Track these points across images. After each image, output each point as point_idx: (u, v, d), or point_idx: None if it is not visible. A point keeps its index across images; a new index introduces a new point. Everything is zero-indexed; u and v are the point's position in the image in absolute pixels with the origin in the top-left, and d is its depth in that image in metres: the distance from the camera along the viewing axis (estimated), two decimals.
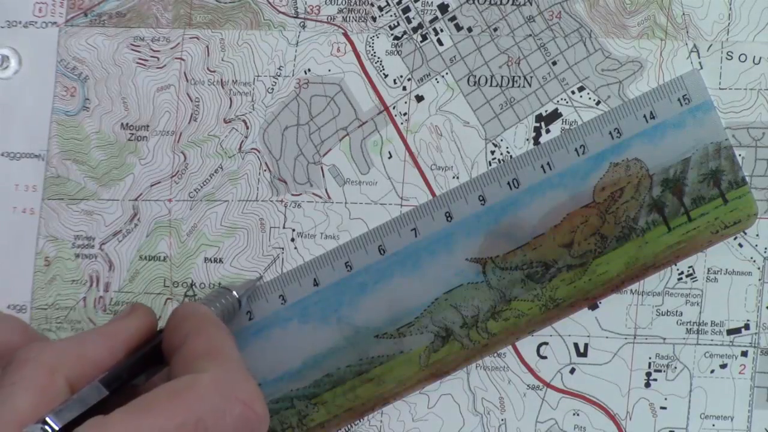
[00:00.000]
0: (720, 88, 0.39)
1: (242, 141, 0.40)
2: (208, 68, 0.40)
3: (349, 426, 0.40)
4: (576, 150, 0.38)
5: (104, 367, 0.31)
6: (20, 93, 0.40)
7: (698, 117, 0.38)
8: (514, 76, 0.39)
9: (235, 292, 0.37)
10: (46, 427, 0.28)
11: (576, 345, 0.39)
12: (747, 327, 0.39)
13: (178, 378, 0.29)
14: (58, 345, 0.31)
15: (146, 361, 0.33)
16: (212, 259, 0.40)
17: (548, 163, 0.38)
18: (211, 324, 0.33)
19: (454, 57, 0.39)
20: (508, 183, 0.38)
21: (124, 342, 0.32)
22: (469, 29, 0.39)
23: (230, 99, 0.40)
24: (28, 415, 0.28)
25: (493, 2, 0.39)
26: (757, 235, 0.39)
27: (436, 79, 0.39)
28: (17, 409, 0.28)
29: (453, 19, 0.39)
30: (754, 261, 0.39)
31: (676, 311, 0.39)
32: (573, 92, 0.39)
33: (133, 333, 0.33)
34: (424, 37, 0.39)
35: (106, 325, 0.33)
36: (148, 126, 0.40)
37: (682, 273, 0.39)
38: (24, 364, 0.29)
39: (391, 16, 0.39)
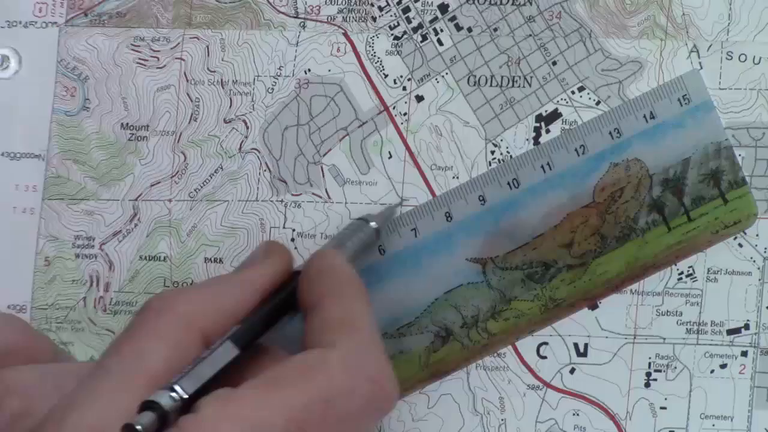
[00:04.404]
0: (720, 88, 0.39)
1: (242, 141, 0.40)
2: (208, 68, 0.40)
3: None
4: (576, 150, 0.38)
5: (239, 317, 0.30)
6: (20, 93, 0.40)
7: (698, 117, 0.38)
8: (514, 76, 0.39)
9: (373, 223, 0.36)
10: (174, 394, 0.26)
11: (576, 345, 0.39)
12: (747, 327, 0.39)
13: (308, 352, 0.28)
14: (193, 295, 0.30)
15: (279, 311, 0.31)
16: (212, 259, 0.40)
17: (548, 163, 0.38)
18: (348, 286, 0.31)
19: (454, 57, 0.39)
20: (508, 183, 0.38)
21: (260, 290, 0.31)
22: (469, 29, 0.39)
23: (230, 99, 0.40)
24: (161, 369, 0.27)
25: (493, 2, 0.39)
26: (757, 235, 0.39)
27: (436, 79, 0.39)
28: (150, 361, 0.27)
29: (453, 19, 0.39)
30: (754, 261, 0.39)
31: (676, 311, 0.39)
32: (573, 92, 0.39)
33: (269, 279, 0.31)
34: (424, 37, 0.39)
35: (241, 270, 0.32)
36: (148, 126, 0.40)
37: (682, 273, 0.39)
38: (158, 314, 0.28)
39: (391, 16, 0.39)
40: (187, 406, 0.27)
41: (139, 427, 0.25)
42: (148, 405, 0.26)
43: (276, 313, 0.31)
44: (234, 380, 0.28)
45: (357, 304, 0.31)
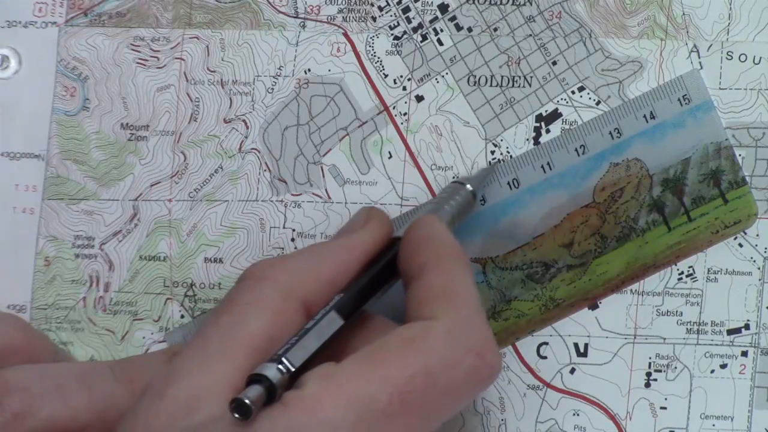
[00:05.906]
0: (720, 88, 0.39)
1: (242, 141, 0.40)
2: (208, 68, 0.40)
3: None
4: (576, 150, 0.38)
5: (340, 286, 0.29)
6: (20, 93, 0.40)
7: (698, 117, 0.38)
8: (514, 76, 0.39)
9: (469, 186, 0.35)
10: (281, 367, 0.26)
11: (576, 345, 0.39)
12: (747, 327, 0.39)
13: (411, 325, 0.28)
14: (292, 263, 0.29)
15: (381, 279, 0.31)
16: (212, 259, 0.40)
17: (548, 163, 0.38)
18: (451, 256, 0.30)
19: (454, 57, 0.39)
20: (508, 183, 0.38)
21: (361, 257, 0.30)
22: (469, 29, 0.39)
23: (230, 99, 0.40)
24: (261, 338, 0.27)
25: (493, 2, 0.39)
26: (757, 235, 0.39)
27: (436, 79, 0.39)
28: (250, 331, 0.27)
29: (453, 19, 0.39)
30: (754, 261, 0.39)
31: (676, 311, 0.39)
32: (573, 92, 0.39)
33: (370, 247, 0.31)
34: (424, 37, 0.39)
35: (341, 237, 0.31)
36: (148, 126, 0.40)
37: (682, 273, 0.39)
38: (258, 283, 0.28)
39: (391, 16, 0.39)
40: (292, 378, 0.26)
41: (247, 401, 0.25)
42: (255, 378, 0.26)
43: (377, 281, 0.31)
44: (337, 350, 0.28)
45: (459, 273, 0.30)
